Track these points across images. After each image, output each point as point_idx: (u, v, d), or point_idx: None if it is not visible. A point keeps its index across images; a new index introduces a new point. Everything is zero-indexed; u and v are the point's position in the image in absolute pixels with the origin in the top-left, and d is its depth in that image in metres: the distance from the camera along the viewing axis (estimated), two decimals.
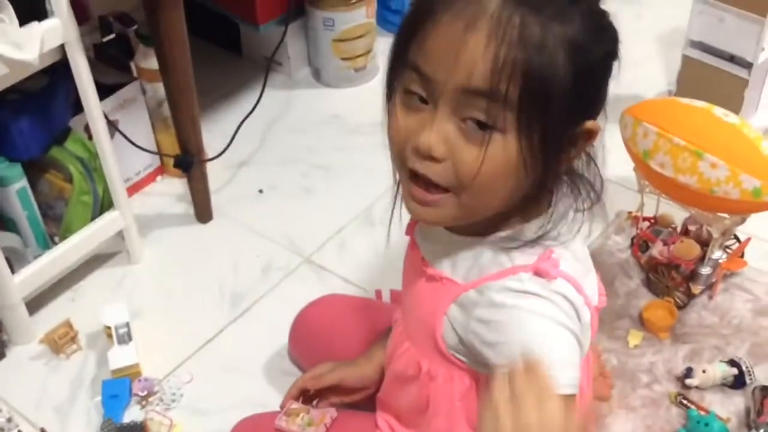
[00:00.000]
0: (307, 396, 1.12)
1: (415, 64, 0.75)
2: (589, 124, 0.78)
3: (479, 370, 0.88)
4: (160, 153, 1.67)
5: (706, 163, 1.25)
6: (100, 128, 1.38)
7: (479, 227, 0.85)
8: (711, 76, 1.76)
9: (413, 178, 0.78)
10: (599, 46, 0.76)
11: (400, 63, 0.78)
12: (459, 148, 0.75)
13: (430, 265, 0.89)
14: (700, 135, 1.27)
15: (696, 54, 1.78)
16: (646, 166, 1.34)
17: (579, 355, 0.80)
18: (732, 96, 1.73)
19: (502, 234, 0.84)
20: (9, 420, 1.27)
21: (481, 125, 0.73)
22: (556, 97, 0.73)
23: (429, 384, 0.93)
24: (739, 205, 1.26)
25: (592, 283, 0.87)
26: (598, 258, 1.48)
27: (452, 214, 0.79)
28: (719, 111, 1.31)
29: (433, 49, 0.74)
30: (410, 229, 0.96)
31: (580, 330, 0.81)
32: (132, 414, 1.27)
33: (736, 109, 1.71)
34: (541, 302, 0.79)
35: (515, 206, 0.82)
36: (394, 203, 0.88)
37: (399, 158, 0.80)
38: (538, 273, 0.79)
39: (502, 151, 0.74)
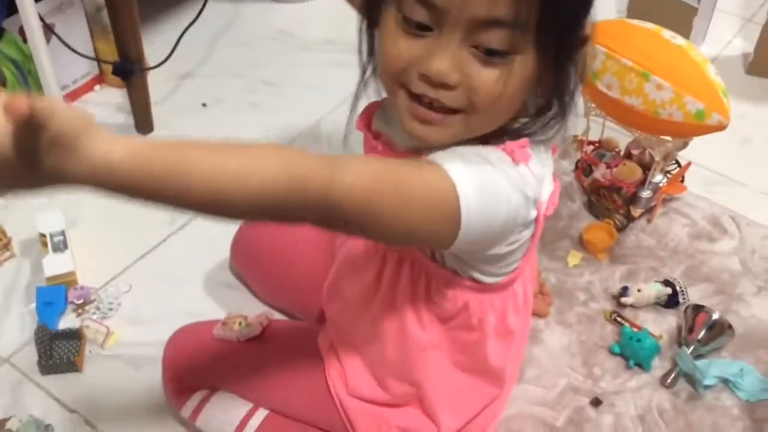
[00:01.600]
0: None
1: None
2: (588, 28, 0.77)
3: (427, 254, 0.88)
4: (98, 59, 1.61)
5: (652, 85, 1.25)
6: (35, 30, 1.32)
7: None
8: (660, 3, 1.76)
9: (415, 99, 0.76)
10: None
11: None
12: (475, 72, 0.73)
13: (404, 150, 0.86)
14: (647, 56, 1.27)
15: None
16: (593, 88, 1.34)
17: (488, 185, 0.75)
18: (681, 24, 1.73)
19: None
20: None
21: (495, 52, 0.72)
22: (571, 9, 0.73)
23: (383, 267, 0.93)
24: (683, 128, 1.27)
25: (548, 190, 0.87)
26: None
27: (456, 132, 0.78)
28: (668, 33, 1.31)
29: None
30: (361, 123, 0.91)
31: (517, 207, 0.78)
32: (68, 321, 1.25)
33: (684, 37, 1.71)
34: (490, 156, 0.77)
35: None
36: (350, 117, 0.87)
37: (398, 81, 0.77)
38: (506, 151, 0.79)
39: (522, 71, 0.74)
